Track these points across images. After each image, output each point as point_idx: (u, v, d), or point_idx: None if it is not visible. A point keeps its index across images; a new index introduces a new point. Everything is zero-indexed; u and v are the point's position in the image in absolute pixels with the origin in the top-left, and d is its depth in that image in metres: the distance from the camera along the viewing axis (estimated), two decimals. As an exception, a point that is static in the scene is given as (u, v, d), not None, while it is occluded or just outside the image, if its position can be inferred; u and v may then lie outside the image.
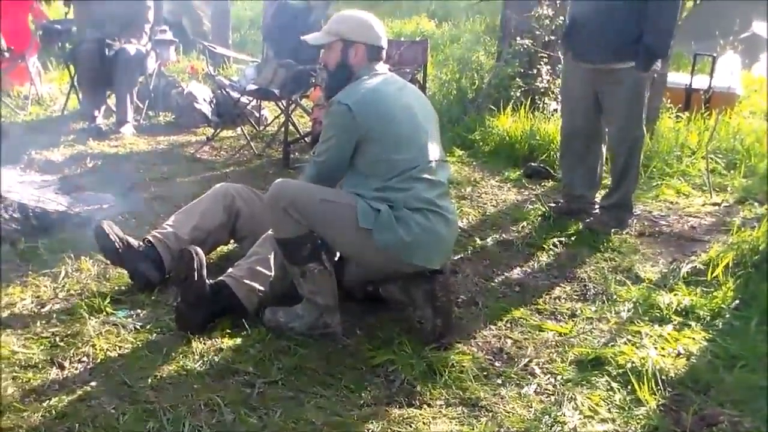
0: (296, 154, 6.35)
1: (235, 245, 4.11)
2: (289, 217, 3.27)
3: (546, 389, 3.12)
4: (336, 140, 3.38)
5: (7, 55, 7.32)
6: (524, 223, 5.05)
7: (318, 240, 3.30)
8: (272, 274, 3.53)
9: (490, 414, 2.92)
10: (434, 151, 3.49)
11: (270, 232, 3.49)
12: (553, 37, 7.55)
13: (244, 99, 6.84)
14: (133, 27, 6.93)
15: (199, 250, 3.38)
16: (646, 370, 3.16)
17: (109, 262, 3.82)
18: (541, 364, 3.30)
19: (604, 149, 5.09)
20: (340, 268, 3.54)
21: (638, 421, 2.91)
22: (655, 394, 3.06)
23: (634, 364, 3.24)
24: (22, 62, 7.51)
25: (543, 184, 6.00)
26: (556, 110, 7.25)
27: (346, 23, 3.58)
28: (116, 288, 3.74)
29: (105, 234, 3.69)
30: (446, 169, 3.61)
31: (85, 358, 3.11)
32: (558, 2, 7.61)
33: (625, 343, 3.46)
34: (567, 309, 3.87)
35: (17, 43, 7.56)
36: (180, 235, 3.81)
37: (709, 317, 3.76)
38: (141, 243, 3.79)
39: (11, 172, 5.17)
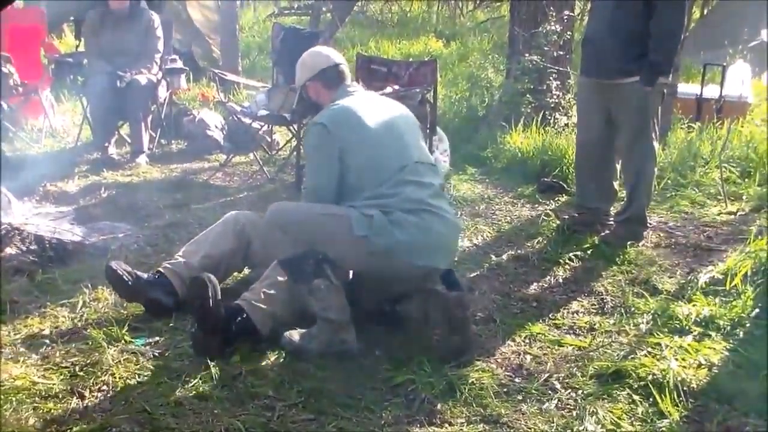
0: (309, 177, 6.36)
1: (251, 271, 4.11)
2: (286, 236, 3.31)
3: (567, 404, 3.11)
4: (318, 159, 3.50)
5: (21, 89, 7.39)
6: (539, 239, 5.04)
7: (320, 255, 3.32)
8: (286, 296, 3.54)
9: (512, 430, 2.91)
10: (417, 153, 3.57)
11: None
12: (561, 53, 7.56)
13: (255, 124, 6.87)
14: (143, 57, 6.98)
15: (212, 277, 3.38)
16: (668, 382, 3.15)
17: (124, 298, 3.83)
18: (561, 378, 3.29)
19: (618, 163, 5.10)
20: (355, 287, 3.55)
21: (662, 433, 2.90)
22: (677, 406, 3.04)
23: (655, 376, 3.22)
24: (35, 96, 7.56)
25: (557, 198, 5.98)
26: (567, 125, 7.25)
27: (297, 72, 3.83)
28: (134, 316, 3.75)
29: (114, 271, 3.72)
30: (435, 174, 3.65)
31: (104, 387, 3.11)
32: (565, 18, 7.63)
33: (646, 356, 3.44)
34: (585, 323, 3.85)
35: (30, 77, 7.63)
36: (190, 264, 3.82)
37: (729, 327, 3.74)
38: (151, 274, 3.82)
39: (27, 204, 5.21)
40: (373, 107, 3.60)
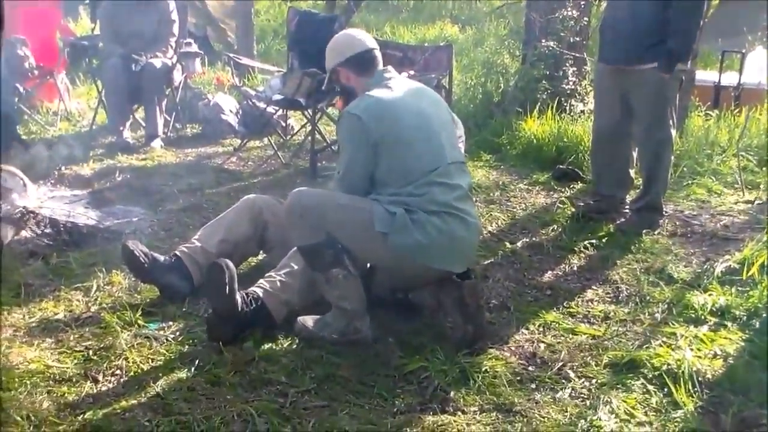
0: (323, 162, 6.35)
1: (265, 256, 4.11)
2: (307, 224, 3.29)
3: (581, 393, 3.09)
4: (353, 151, 3.40)
5: (36, 72, 7.40)
6: (554, 226, 5.02)
7: (339, 245, 3.30)
8: (302, 285, 3.53)
9: (525, 419, 2.90)
10: (451, 154, 3.49)
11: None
12: (578, 39, 7.51)
13: (270, 109, 6.85)
14: (158, 41, 6.98)
15: (229, 263, 3.37)
16: (683, 372, 3.13)
17: (138, 279, 3.84)
18: (575, 367, 3.27)
19: (635, 150, 5.07)
20: (369, 277, 3.53)
21: (676, 424, 2.88)
22: (692, 396, 3.02)
23: (669, 366, 3.20)
24: (50, 79, 7.58)
25: (572, 186, 5.95)
26: (583, 112, 7.21)
27: (327, 55, 3.68)
28: (147, 300, 3.76)
29: (131, 251, 3.71)
30: (465, 173, 3.60)
31: (118, 371, 3.12)
32: (582, 3, 7.57)
33: (660, 345, 3.42)
34: (600, 311, 3.83)
35: (45, 60, 7.64)
36: (207, 249, 3.82)
37: (745, 317, 3.71)
38: (168, 257, 3.81)
39: (42, 188, 5.22)
40: (411, 101, 3.48)
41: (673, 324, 3.64)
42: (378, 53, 3.65)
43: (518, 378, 3.19)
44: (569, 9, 7.39)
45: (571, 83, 7.46)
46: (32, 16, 7.75)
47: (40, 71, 7.45)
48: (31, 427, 2.72)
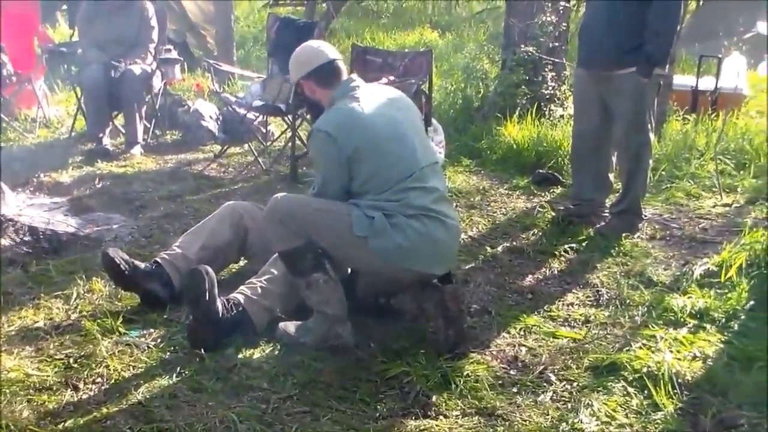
0: (304, 168, 6.34)
1: (246, 262, 4.10)
2: (287, 228, 3.29)
3: (562, 396, 3.11)
4: (326, 168, 3.41)
5: (14, 79, 7.35)
6: (535, 230, 5.04)
7: (319, 250, 3.31)
8: (283, 291, 3.53)
9: (507, 423, 2.91)
10: (424, 157, 3.47)
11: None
12: (557, 44, 7.55)
13: (250, 115, 6.85)
14: (137, 47, 6.95)
15: (209, 269, 3.37)
16: (663, 374, 3.15)
17: (119, 287, 3.82)
18: (556, 371, 3.29)
19: (614, 154, 5.10)
20: (352, 282, 3.54)
21: (656, 425, 2.90)
22: (672, 398, 3.05)
23: (650, 369, 3.22)
24: (28, 85, 7.54)
25: (552, 190, 5.97)
26: (562, 116, 7.24)
27: (290, 69, 3.65)
28: (128, 308, 3.74)
29: (111, 259, 3.69)
30: (439, 174, 3.59)
31: (99, 379, 3.11)
32: (561, 9, 7.61)
33: (640, 348, 3.44)
34: (580, 315, 3.85)
35: (23, 66, 7.60)
36: (188, 255, 3.81)
37: (724, 319, 3.74)
38: (148, 264, 3.80)
39: (21, 195, 5.19)
40: (379, 109, 3.44)
41: (652, 327, 3.66)
42: (341, 63, 3.58)
43: (499, 382, 3.20)
44: (548, 14, 7.43)
45: (550, 88, 7.49)
46: (9, 22, 7.71)
47: (18, 78, 7.41)
48: (11, 436, 2.70)
